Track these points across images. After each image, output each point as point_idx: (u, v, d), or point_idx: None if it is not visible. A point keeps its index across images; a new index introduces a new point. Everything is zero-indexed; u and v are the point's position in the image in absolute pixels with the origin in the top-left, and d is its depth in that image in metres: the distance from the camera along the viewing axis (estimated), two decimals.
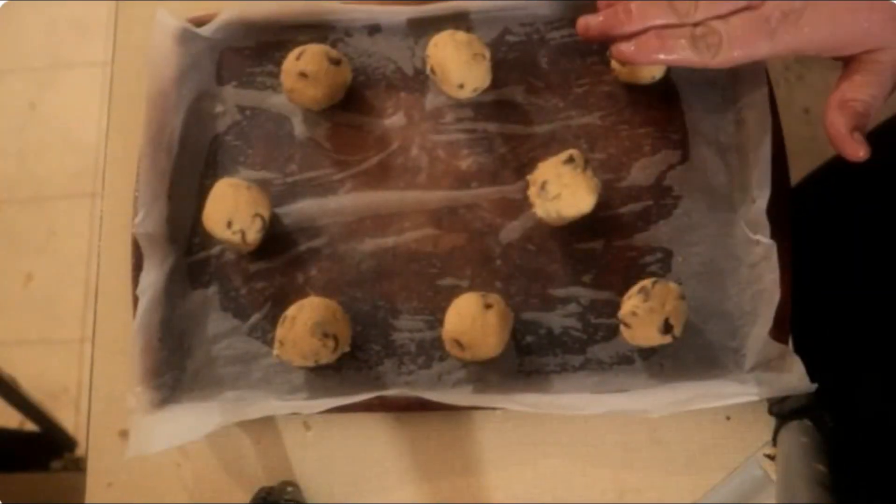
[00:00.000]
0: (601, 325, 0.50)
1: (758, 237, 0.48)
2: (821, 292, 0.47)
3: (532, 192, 0.49)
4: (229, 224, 0.49)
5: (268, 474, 0.51)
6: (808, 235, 0.48)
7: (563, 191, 0.47)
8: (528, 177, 0.50)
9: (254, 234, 0.50)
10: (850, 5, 0.40)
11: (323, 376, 0.50)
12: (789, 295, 0.47)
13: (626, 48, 0.45)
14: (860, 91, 0.42)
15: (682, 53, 0.44)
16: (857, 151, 0.41)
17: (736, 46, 0.43)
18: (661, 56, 0.45)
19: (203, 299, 0.52)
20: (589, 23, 0.47)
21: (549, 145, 0.52)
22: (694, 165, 0.52)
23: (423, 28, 0.54)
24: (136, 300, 0.50)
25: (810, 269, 0.47)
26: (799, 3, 0.41)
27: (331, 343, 0.48)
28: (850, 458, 0.42)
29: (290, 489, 0.49)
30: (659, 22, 0.44)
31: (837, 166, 0.53)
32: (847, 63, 0.43)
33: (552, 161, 0.49)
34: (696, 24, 0.43)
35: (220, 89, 0.56)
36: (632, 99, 0.53)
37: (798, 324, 0.47)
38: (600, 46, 0.52)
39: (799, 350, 0.46)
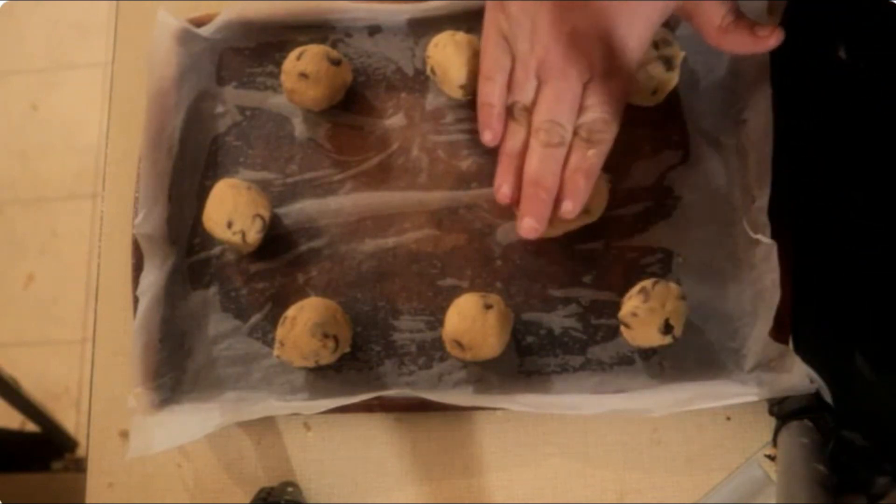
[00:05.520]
0: (601, 325, 0.50)
1: (758, 237, 0.47)
2: (821, 292, 0.47)
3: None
4: (230, 224, 0.49)
5: (268, 475, 0.51)
6: (806, 231, 0.48)
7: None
8: None
9: (254, 235, 0.50)
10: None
11: (323, 377, 0.50)
12: (790, 295, 0.47)
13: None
14: (721, 7, 0.43)
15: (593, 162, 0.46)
16: (771, 38, 0.42)
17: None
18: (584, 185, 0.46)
19: (203, 300, 0.52)
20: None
21: None
22: (694, 166, 0.51)
23: (424, 28, 0.54)
24: (136, 301, 0.50)
25: (810, 268, 0.47)
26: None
27: (331, 344, 0.48)
28: (851, 458, 0.42)
29: (290, 489, 0.49)
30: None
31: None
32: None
33: None
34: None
35: (220, 90, 0.56)
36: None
37: (798, 324, 0.47)
38: None
39: (799, 350, 0.46)
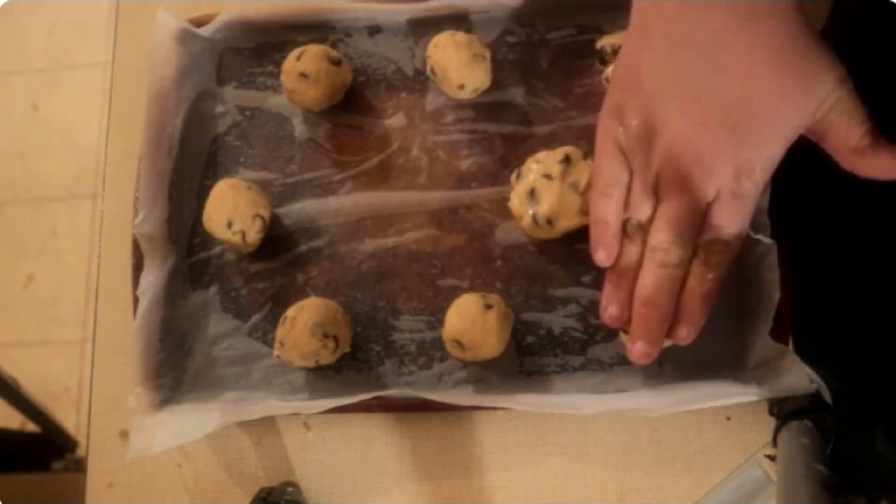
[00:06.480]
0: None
1: (758, 237, 0.47)
2: (821, 292, 0.47)
3: (514, 202, 0.49)
4: (229, 224, 0.49)
5: (268, 475, 0.51)
6: (806, 231, 0.48)
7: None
8: (512, 177, 0.50)
9: (254, 235, 0.50)
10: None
11: (323, 377, 0.50)
12: (790, 295, 0.47)
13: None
14: (858, 127, 0.39)
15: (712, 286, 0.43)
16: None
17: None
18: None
19: (203, 300, 0.52)
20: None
21: (550, 146, 0.52)
22: None
23: (424, 28, 0.55)
24: (136, 301, 0.50)
25: (810, 268, 0.47)
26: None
27: (331, 343, 0.48)
28: (851, 458, 0.42)
29: (290, 489, 0.49)
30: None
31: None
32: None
33: (544, 157, 0.48)
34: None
35: (220, 90, 0.56)
36: None
37: (798, 324, 0.47)
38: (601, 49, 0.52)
39: (799, 350, 0.46)
